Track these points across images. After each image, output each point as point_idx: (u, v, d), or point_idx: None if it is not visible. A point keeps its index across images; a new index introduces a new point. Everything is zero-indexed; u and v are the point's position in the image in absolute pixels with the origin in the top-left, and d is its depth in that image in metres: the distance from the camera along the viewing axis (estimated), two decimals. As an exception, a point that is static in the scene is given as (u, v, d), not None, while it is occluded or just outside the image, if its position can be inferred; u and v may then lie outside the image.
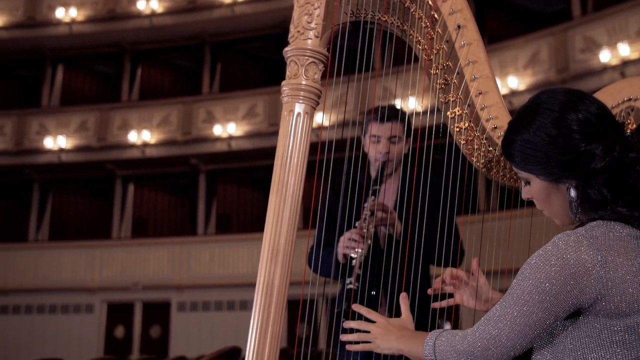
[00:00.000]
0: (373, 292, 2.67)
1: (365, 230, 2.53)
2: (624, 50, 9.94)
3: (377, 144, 2.73)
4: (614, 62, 10.04)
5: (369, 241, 2.51)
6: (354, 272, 2.48)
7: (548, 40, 11.02)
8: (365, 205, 2.60)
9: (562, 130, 1.37)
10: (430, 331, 1.49)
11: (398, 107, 2.96)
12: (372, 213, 2.57)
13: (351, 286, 2.44)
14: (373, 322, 1.60)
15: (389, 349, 1.56)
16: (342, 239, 2.57)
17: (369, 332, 1.59)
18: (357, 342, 1.60)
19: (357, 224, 2.57)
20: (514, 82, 10.98)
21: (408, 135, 2.78)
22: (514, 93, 10.91)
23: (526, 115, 1.43)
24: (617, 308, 1.30)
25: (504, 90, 10.92)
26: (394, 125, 2.71)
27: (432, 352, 1.43)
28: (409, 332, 1.56)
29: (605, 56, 10.13)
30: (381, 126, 2.71)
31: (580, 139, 1.36)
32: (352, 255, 2.52)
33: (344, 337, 1.61)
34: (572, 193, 1.39)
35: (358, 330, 1.60)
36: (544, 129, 1.38)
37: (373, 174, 2.76)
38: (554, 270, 1.30)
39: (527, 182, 1.45)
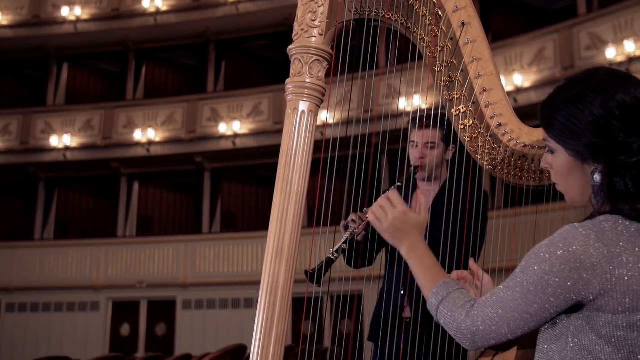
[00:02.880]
0: (402, 292, 2.74)
1: (364, 212, 2.67)
2: (630, 47, 9.90)
3: (415, 149, 2.87)
4: (620, 59, 9.99)
5: (365, 223, 2.65)
6: (339, 243, 2.60)
7: (553, 37, 10.99)
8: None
9: (605, 113, 1.33)
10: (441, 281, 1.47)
11: (442, 113, 3.05)
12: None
13: (330, 255, 2.53)
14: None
15: (390, 240, 1.56)
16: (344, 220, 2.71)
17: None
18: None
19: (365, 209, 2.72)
20: (519, 79, 10.95)
21: (449, 142, 2.90)
22: (519, 90, 10.88)
23: (579, 88, 1.39)
24: (621, 304, 1.28)
25: (509, 88, 10.89)
26: (432, 132, 2.83)
27: (435, 309, 1.44)
28: (421, 250, 1.54)
29: (610, 53, 10.08)
30: (419, 132, 2.84)
31: (620, 127, 1.33)
32: (346, 232, 2.68)
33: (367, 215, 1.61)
34: (597, 178, 1.36)
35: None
36: (592, 107, 1.34)
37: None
38: (559, 262, 1.29)
39: (552, 152, 1.42)
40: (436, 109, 3.02)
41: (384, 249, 2.90)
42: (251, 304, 12.28)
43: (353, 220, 2.67)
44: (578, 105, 1.36)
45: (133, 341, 13.20)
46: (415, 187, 2.96)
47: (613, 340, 1.30)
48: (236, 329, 12.12)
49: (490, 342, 1.37)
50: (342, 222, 2.72)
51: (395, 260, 2.77)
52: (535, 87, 10.85)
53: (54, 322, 13.26)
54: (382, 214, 1.57)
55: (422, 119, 2.81)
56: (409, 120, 2.97)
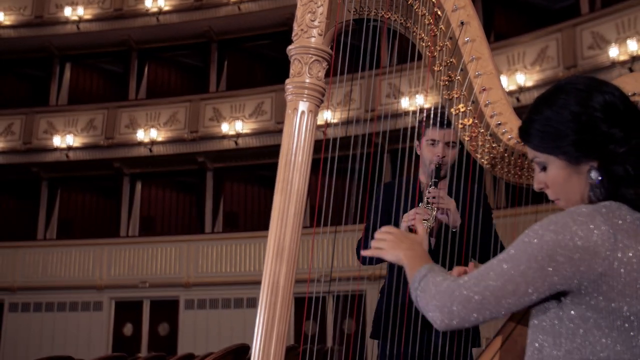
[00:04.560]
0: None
1: (429, 209, 2.65)
2: (633, 46, 9.87)
3: (434, 147, 2.85)
4: (623, 58, 9.97)
5: (434, 216, 2.63)
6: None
7: (556, 36, 10.97)
8: (428, 192, 2.72)
9: (586, 109, 1.34)
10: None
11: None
12: (434, 197, 2.71)
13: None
14: None
15: (394, 256, 1.56)
16: (406, 215, 2.66)
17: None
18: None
19: (420, 205, 2.70)
20: (522, 78, 10.93)
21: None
22: (521, 90, 10.86)
23: (550, 94, 1.40)
24: (621, 291, 1.26)
25: (511, 87, 10.88)
26: (452, 131, 2.81)
27: (414, 291, 1.41)
28: (418, 250, 1.55)
29: (613, 52, 10.06)
30: (439, 131, 2.82)
31: (602, 119, 1.33)
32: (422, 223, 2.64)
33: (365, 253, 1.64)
34: (594, 175, 1.35)
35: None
36: (568, 106, 1.35)
37: (423, 177, 2.90)
38: (566, 239, 1.26)
39: (543, 168, 1.41)
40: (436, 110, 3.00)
41: None
42: (254, 303, 12.28)
43: (419, 214, 2.64)
44: (553, 108, 1.37)
45: (136, 341, 13.21)
46: (409, 184, 2.94)
47: (613, 331, 1.27)
48: (239, 329, 12.13)
49: (477, 313, 1.30)
50: (404, 223, 2.67)
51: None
52: (538, 86, 10.83)
53: (57, 322, 13.28)
54: (381, 243, 1.59)
55: (441, 118, 2.78)
56: (423, 117, 2.95)
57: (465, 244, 2.32)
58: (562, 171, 1.38)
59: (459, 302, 1.31)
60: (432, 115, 2.84)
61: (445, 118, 2.78)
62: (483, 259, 2.62)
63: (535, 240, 1.28)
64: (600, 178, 1.34)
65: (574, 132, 1.34)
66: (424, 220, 2.60)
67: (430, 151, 2.85)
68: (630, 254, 1.27)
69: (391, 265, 2.84)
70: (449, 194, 2.73)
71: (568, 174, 1.38)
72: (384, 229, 1.62)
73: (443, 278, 1.38)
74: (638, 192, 1.32)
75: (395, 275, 2.80)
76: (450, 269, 2.28)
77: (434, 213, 2.64)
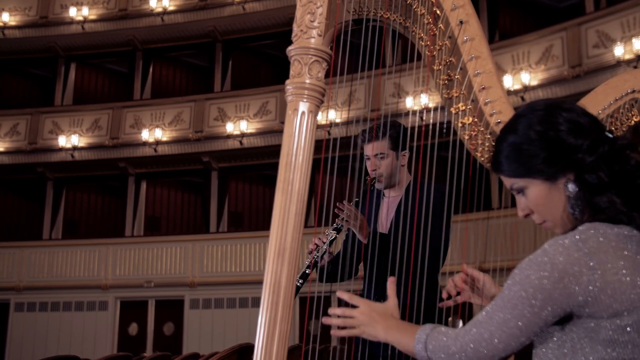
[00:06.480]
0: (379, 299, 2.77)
1: (325, 235, 2.81)
2: (639, 44, 9.83)
3: (368, 162, 2.98)
4: (628, 56, 9.93)
5: (325, 246, 2.79)
6: (302, 269, 2.72)
7: (561, 35, 10.94)
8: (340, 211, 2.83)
9: (550, 126, 1.38)
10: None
11: (391, 122, 3.13)
12: (342, 219, 2.84)
13: (297, 283, 2.59)
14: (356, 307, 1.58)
15: (375, 337, 1.54)
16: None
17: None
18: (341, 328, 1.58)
19: (328, 228, 2.85)
20: (527, 77, 10.90)
21: (401, 148, 2.97)
22: (526, 89, 10.84)
23: (510, 123, 1.45)
24: (610, 309, 1.29)
25: (516, 86, 10.85)
26: (379, 143, 2.94)
27: (424, 350, 1.43)
28: (394, 323, 1.54)
29: (619, 51, 10.02)
30: (368, 146, 2.97)
31: (567, 132, 1.37)
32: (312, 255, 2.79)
33: (326, 320, 1.59)
34: (571, 187, 1.38)
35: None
36: (532, 127, 1.39)
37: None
38: (543, 276, 1.29)
39: (523, 194, 1.43)
40: (385, 118, 3.15)
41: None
42: (259, 303, 12.17)
43: (316, 245, 2.76)
44: (518, 133, 1.41)
45: (141, 340, 13.24)
46: (379, 196, 3.04)
47: (611, 345, 1.30)
48: (244, 328, 12.14)
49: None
50: (307, 249, 2.79)
51: (373, 271, 2.81)
52: (542, 85, 10.81)
53: (63, 322, 13.32)
54: (352, 321, 1.56)
55: (370, 132, 2.94)
56: (359, 136, 3.06)
57: (413, 248, 2.37)
58: (542, 190, 1.40)
59: (470, 356, 1.36)
60: (365, 131, 2.98)
61: (373, 132, 2.93)
62: (429, 263, 2.63)
63: (520, 285, 1.32)
64: (576, 189, 1.37)
65: (542, 149, 1.37)
66: (314, 251, 2.74)
67: (367, 166, 2.99)
68: (614, 271, 1.29)
69: (367, 279, 2.87)
70: (407, 199, 2.78)
71: (548, 192, 1.40)
72: (351, 309, 1.57)
73: (444, 335, 1.40)
74: (611, 199, 1.35)
75: (369, 287, 2.83)
76: (386, 272, 2.36)
77: (330, 239, 2.79)
